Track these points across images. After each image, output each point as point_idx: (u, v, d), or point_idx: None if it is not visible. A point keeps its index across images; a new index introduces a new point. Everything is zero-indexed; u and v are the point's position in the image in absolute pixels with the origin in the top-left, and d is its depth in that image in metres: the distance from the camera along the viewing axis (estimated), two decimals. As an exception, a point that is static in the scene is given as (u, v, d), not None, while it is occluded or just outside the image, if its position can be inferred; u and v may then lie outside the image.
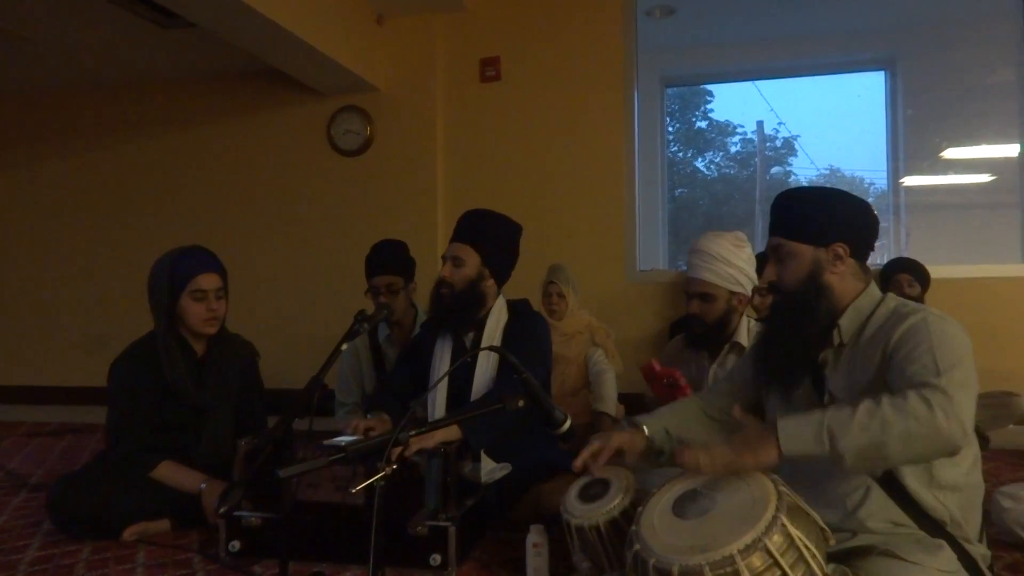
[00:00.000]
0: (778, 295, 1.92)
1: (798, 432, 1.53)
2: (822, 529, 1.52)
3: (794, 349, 1.85)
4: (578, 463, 1.93)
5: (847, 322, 1.81)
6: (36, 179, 6.25)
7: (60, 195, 6.18)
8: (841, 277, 1.82)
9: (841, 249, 1.81)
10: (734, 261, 2.76)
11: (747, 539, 1.41)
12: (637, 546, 1.54)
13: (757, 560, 1.40)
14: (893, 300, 1.82)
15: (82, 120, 6.16)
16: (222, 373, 2.83)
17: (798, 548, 1.42)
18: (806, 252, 1.83)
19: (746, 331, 2.83)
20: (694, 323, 2.84)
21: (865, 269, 1.87)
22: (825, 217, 1.83)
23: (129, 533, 2.53)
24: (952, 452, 1.55)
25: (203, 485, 2.60)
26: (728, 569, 1.39)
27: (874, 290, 1.85)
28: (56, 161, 6.21)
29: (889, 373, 1.67)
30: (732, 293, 2.79)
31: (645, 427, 2.01)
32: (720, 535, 1.45)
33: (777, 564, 1.40)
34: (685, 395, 2.58)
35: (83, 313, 6.02)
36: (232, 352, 2.90)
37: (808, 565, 1.43)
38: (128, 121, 6.05)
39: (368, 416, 2.73)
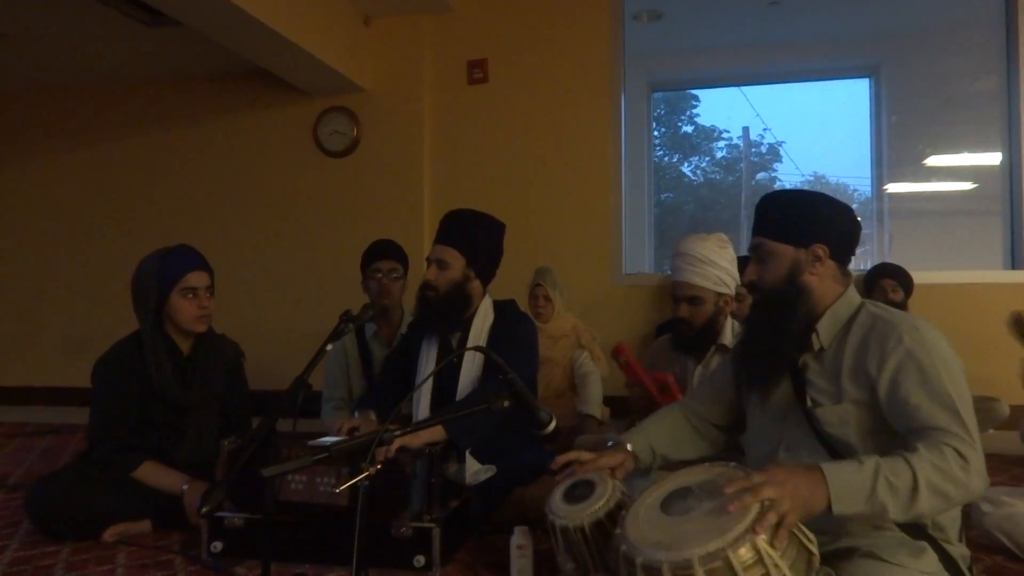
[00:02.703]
0: (758, 295, 1.93)
1: (850, 493, 1.51)
2: (811, 554, 1.49)
3: (772, 349, 1.85)
4: (559, 460, 1.95)
5: (825, 327, 1.81)
6: (17, 179, 6.19)
7: (42, 195, 6.13)
8: (820, 279, 1.83)
9: (821, 250, 1.82)
10: (719, 262, 2.75)
11: (711, 547, 1.39)
12: (618, 531, 1.57)
13: (717, 570, 1.38)
14: (873, 307, 1.82)
15: (65, 119, 6.11)
16: (207, 373, 2.82)
17: (766, 565, 1.39)
18: (786, 252, 1.84)
19: (730, 332, 2.82)
20: (683, 327, 2.82)
21: (846, 272, 1.87)
22: (806, 218, 1.84)
23: (110, 534, 2.51)
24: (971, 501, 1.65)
25: (185, 486, 2.58)
26: (687, 572, 1.38)
27: (853, 294, 1.85)
28: (38, 161, 6.16)
29: (891, 402, 1.66)
30: (719, 295, 2.78)
31: (630, 446, 2.02)
32: (689, 537, 1.44)
33: None
34: (676, 399, 2.58)
35: (64, 314, 5.97)
36: (218, 352, 2.88)
37: None
38: (112, 121, 6.00)
39: (356, 415, 2.73)
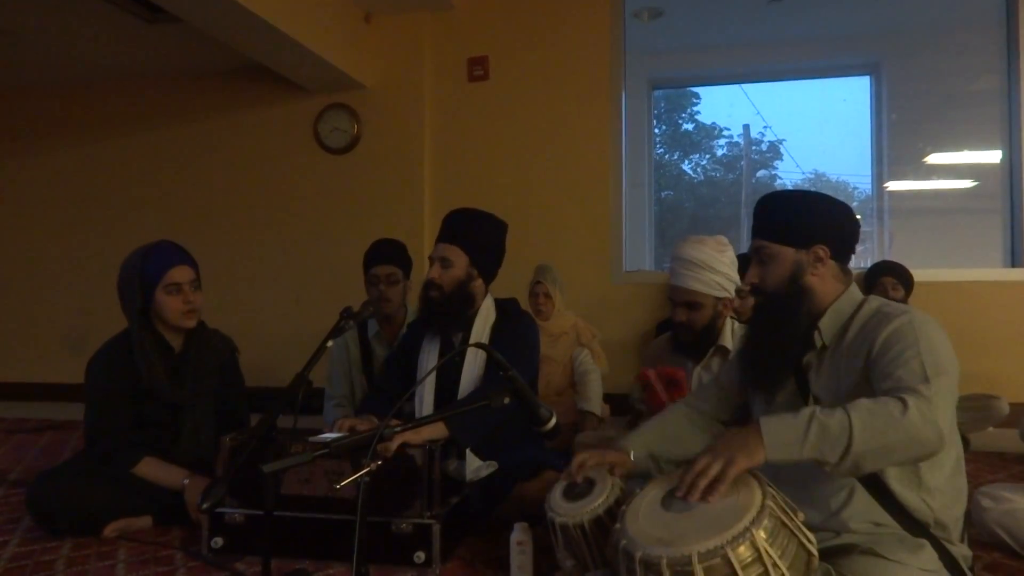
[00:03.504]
0: (760, 297, 1.92)
1: (783, 438, 1.53)
2: (810, 553, 1.49)
3: (776, 351, 1.85)
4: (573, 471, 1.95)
5: (827, 324, 1.82)
6: (15, 176, 6.19)
7: (41, 192, 6.13)
8: (822, 279, 1.83)
9: (822, 251, 1.82)
10: (718, 267, 2.72)
11: (710, 544, 1.39)
12: (618, 526, 1.58)
13: (716, 567, 1.38)
14: (876, 301, 1.82)
15: (63, 117, 6.10)
16: (200, 369, 2.81)
17: (764, 564, 1.40)
18: (787, 254, 1.84)
19: (730, 333, 2.82)
20: (682, 331, 2.81)
21: (846, 271, 1.88)
22: (806, 219, 1.84)
23: (110, 530, 2.52)
24: (929, 455, 1.56)
25: (186, 481, 2.58)
26: (685, 569, 1.39)
27: (855, 291, 1.85)
28: (36, 158, 6.15)
29: (873, 374, 1.67)
30: (717, 299, 2.77)
31: (631, 453, 2.02)
32: (689, 534, 1.44)
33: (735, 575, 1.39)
34: (683, 395, 2.57)
35: (65, 310, 5.97)
36: (210, 348, 2.87)
37: None
38: (111, 118, 6.00)
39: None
